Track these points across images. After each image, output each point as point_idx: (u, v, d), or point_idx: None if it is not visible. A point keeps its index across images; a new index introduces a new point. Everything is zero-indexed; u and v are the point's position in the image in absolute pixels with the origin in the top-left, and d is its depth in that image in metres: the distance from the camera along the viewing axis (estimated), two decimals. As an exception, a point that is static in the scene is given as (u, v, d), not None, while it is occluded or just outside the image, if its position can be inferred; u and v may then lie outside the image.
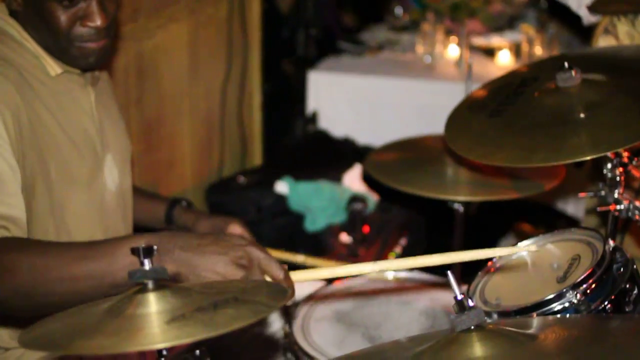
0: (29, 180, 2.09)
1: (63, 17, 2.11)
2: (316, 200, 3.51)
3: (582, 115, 2.23)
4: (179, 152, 3.79)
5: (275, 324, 2.52)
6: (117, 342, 1.31)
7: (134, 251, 1.44)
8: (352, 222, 3.42)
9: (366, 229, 3.44)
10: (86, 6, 2.14)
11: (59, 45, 2.16)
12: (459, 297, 1.60)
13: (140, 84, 3.42)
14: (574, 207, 4.09)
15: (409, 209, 3.64)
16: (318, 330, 2.38)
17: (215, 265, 1.80)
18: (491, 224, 4.19)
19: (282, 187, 3.57)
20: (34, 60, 2.19)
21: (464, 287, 2.20)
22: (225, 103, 4.04)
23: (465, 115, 2.46)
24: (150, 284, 1.42)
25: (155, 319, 1.36)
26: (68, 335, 1.36)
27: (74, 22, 2.13)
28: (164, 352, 1.38)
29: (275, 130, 4.35)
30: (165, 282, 1.45)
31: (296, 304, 2.47)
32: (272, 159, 4.16)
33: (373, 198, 3.64)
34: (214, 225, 2.54)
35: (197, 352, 1.34)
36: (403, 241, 3.60)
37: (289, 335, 2.36)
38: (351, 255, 3.36)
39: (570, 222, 3.92)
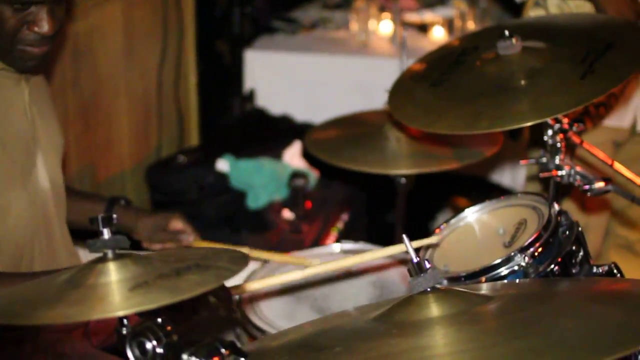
0: None
1: (12, 19, 2.08)
2: (257, 178, 3.51)
3: (523, 82, 2.26)
4: (116, 133, 3.75)
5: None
6: (80, 311, 1.31)
7: (92, 221, 1.43)
8: (294, 199, 3.43)
9: (308, 204, 3.45)
10: (36, 12, 2.10)
11: (1, 46, 2.12)
12: (415, 259, 1.62)
13: (75, 64, 3.38)
14: (510, 178, 4.15)
15: (350, 184, 3.66)
16: (267, 304, 2.39)
17: None
18: (428, 199, 4.23)
19: (223, 165, 3.56)
20: None
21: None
22: (161, 83, 4.01)
23: (407, 85, 2.49)
24: (110, 253, 1.42)
25: (117, 287, 1.36)
26: (29, 306, 1.35)
27: (22, 26, 2.10)
28: (125, 322, 1.37)
29: (212, 109, 4.33)
30: (124, 251, 1.44)
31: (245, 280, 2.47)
32: (211, 138, 4.14)
33: (314, 174, 3.65)
34: (156, 223, 2.55)
35: (159, 320, 1.33)
36: (345, 216, 3.63)
37: (237, 309, 2.36)
38: (294, 232, 3.36)
39: (507, 194, 3.98)
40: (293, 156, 3.70)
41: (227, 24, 4.30)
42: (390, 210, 3.92)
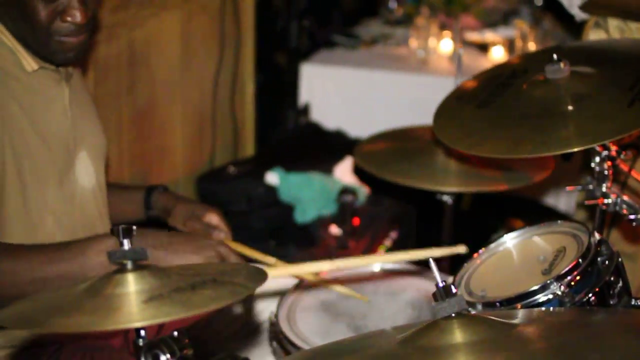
0: (5, 182, 2.08)
1: (43, 11, 2.10)
2: (306, 192, 3.50)
3: (570, 108, 2.23)
4: (170, 142, 3.78)
5: (264, 314, 2.51)
6: (94, 320, 1.31)
7: (114, 231, 1.43)
8: (342, 214, 3.42)
9: (356, 221, 3.43)
10: (67, 2, 2.13)
11: (37, 39, 2.15)
12: (441, 284, 1.60)
13: (131, 72, 3.41)
14: (565, 202, 4.10)
15: (400, 202, 3.64)
16: (304, 320, 2.38)
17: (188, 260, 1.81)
18: (483, 220, 4.20)
19: (272, 177, 3.57)
20: (10, 56, 2.18)
21: (450, 278, 2.21)
22: (217, 93, 4.03)
23: (454, 106, 2.46)
24: (129, 264, 1.42)
25: (133, 298, 1.36)
26: (45, 314, 1.36)
27: (54, 17, 2.12)
28: (142, 333, 1.37)
29: (267, 121, 4.35)
30: (144, 263, 1.45)
31: (283, 293, 2.46)
32: (263, 150, 4.15)
33: (364, 190, 3.64)
34: (192, 210, 2.54)
35: (175, 333, 1.33)
36: (394, 234, 3.60)
37: (274, 324, 2.36)
38: (340, 248, 3.35)
39: (562, 218, 3.92)
40: (344, 172, 3.69)
41: (286, 37, 4.32)
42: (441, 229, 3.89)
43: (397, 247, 3.57)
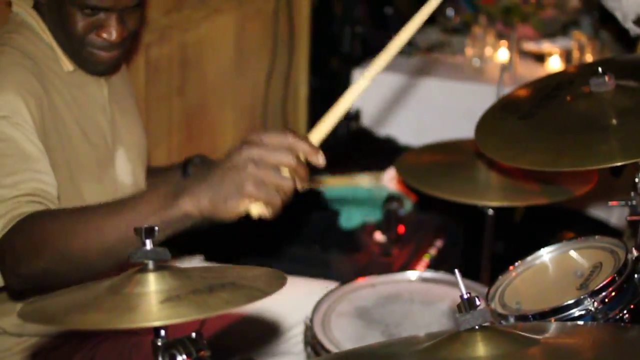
0: (53, 167, 2.11)
1: (81, 23, 2.13)
2: (353, 198, 3.51)
3: (613, 121, 2.20)
4: (220, 144, 3.81)
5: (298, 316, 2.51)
6: (109, 318, 1.33)
7: (137, 231, 1.45)
8: (387, 222, 3.41)
9: (401, 229, 3.42)
10: (105, 18, 2.14)
11: (71, 46, 2.18)
12: (465, 295, 1.59)
13: (183, 74, 3.45)
14: (617, 217, 4.03)
15: (446, 211, 3.62)
16: (338, 326, 2.38)
17: (227, 172, 1.70)
18: (536, 232, 4.16)
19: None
20: (50, 53, 2.21)
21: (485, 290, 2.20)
22: (268, 96, 4.05)
23: (496, 116, 2.44)
24: (150, 264, 1.44)
25: (151, 298, 1.37)
26: (64, 310, 1.38)
27: (91, 30, 2.14)
28: (162, 333, 1.39)
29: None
30: (165, 264, 1.46)
31: (320, 300, 2.47)
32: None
33: (410, 199, 3.63)
34: None
35: (193, 334, 1.34)
36: (439, 243, 3.58)
37: (309, 329, 2.37)
38: (384, 255, 3.34)
39: (613, 232, 3.88)
40: (391, 179, 3.68)
41: (339, 42, 4.32)
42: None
43: (442, 256, 3.55)
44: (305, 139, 1.78)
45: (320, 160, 1.80)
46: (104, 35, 2.14)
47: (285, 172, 1.74)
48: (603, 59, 2.82)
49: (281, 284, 1.46)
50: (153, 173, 2.59)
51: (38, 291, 1.80)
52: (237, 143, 1.75)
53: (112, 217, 1.80)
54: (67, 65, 2.22)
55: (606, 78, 2.24)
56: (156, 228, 1.44)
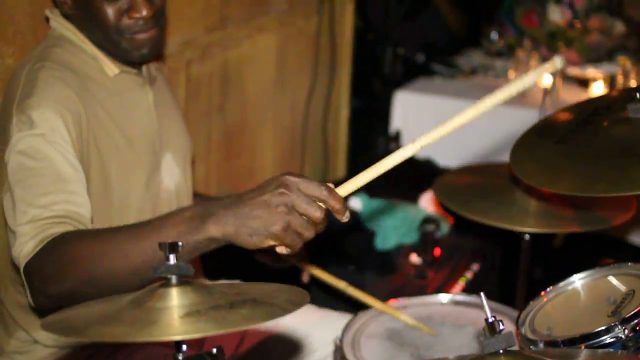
0: (89, 182, 2.13)
1: (109, 10, 2.16)
2: (389, 219, 3.50)
3: (649, 148, 2.17)
4: (259, 162, 3.82)
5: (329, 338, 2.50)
6: (129, 331, 1.34)
7: (161, 246, 1.46)
8: (423, 244, 3.39)
9: (437, 251, 3.41)
10: None
11: (110, 39, 2.21)
12: (490, 319, 1.58)
13: (223, 91, 3.47)
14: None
15: (483, 235, 3.59)
16: (368, 347, 2.37)
17: (258, 207, 1.73)
18: (575, 259, 4.12)
19: (355, 202, 3.57)
20: (92, 62, 2.24)
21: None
22: (309, 116, 4.07)
23: (532, 140, 2.43)
24: (173, 279, 1.44)
25: (171, 313, 1.38)
26: (85, 322, 1.39)
27: (121, 15, 2.18)
28: (184, 348, 1.39)
29: (359, 146, 4.36)
30: (188, 279, 1.46)
31: (350, 320, 2.46)
32: (352, 175, 4.15)
33: (447, 221, 3.61)
34: None
35: (214, 350, 1.35)
36: (475, 267, 3.56)
37: (339, 349, 2.36)
38: (419, 277, 3.33)
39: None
40: (429, 201, 3.67)
41: (380, 63, 4.33)
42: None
43: (478, 280, 3.52)
44: (338, 197, 1.83)
45: (344, 219, 1.87)
46: (135, 14, 2.17)
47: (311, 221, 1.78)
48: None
49: (303, 302, 1.46)
50: (195, 199, 2.61)
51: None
52: (274, 176, 1.79)
53: (138, 241, 1.83)
54: (112, 68, 2.25)
55: (643, 104, 2.22)
56: (180, 243, 1.45)
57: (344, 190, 1.87)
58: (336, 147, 4.34)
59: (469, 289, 3.40)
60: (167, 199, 2.40)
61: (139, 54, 2.24)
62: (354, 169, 4.30)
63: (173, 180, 2.42)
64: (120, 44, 2.22)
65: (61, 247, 1.88)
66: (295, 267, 2.67)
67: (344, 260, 3.40)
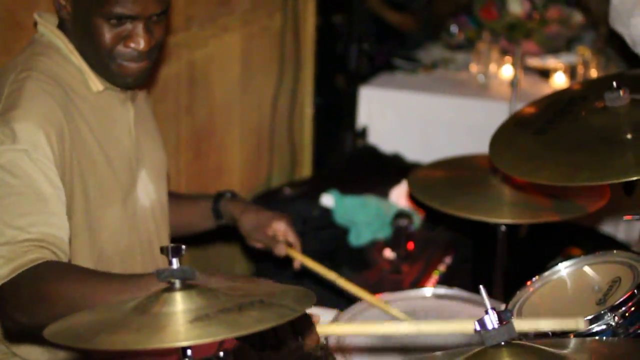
0: (69, 198, 2.11)
1: (108, 34, 2.13)
2: (361, 215, 3.49)
3: (629, 136, 2.19)
4: (228, 162, 3.80)
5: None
6: (139, 338, 1.32)
7: (163, 250, 1.44)
8: (397, 238, 3.40)
9: (411, 245, 3.41)
10: (132, 27, 2.15)
11: (100, 60, 2.18)
12: (491, 311, 1.58)
13: (191, 92, 3.44)
14: (625, 232, 4.03)
15: (456, 227, 3.61)
16: (353, 342, 2.36)
17: None
18: (540, 248, 4.14)
19: (327, 200, 3.57)
20: (78, 75, 2.21)
21: (502, 306, 2.19)
22: (275, 114, 4.05)
23: (510, 132, 2.44)
24: (177, 284, 1.43)
25: (179, 317, 1.37)
26: (92, 330, 1.37)
27: (118, 41, 2.15)
28: (189, 353, 1.38)
29: (325, 143, 4.36)
30: (192, 282, 1.45)
31: (334, 317, 2.45)
32: (320, 172, 4.16)
33: (419, 215, 3.62)
34: (258, 221, 2.56)
35: (221, 353, 1.33)
36: (448, 260, 3.57)
37: (323, 347, 2.35)
38: (394, 272, 3.33)
39: (621, 247, 3.86)
40: (400, 196, 3.67)
41: (345, 60, 4.32)
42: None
43: (451, 273, 3.53)
44: None
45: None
46: (132, 45, 2.14)
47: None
48: (616, 73, 2.82)
49: (310, 302, 1.45)
50: (178, 200, 2.59)
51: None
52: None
53: (121, 297, 1.80)
54: (97, 84, 2.22)
55: (621, 92, 2.24)
56: (183, 247, 1.43)
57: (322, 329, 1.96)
58: (302, 145, 4.33)
59: (443, 282, 3.41)
60: (142, 216, 2.38)
61: (123, 81, 2.22)
62: (319, 167, 4.30)
63: (148, 197, 2.40)
64: (109, 67, 2.19)
65: (38, 283, 1.86)
66: (287, 256, 2.67)
67: (318, 258, 3.39)
